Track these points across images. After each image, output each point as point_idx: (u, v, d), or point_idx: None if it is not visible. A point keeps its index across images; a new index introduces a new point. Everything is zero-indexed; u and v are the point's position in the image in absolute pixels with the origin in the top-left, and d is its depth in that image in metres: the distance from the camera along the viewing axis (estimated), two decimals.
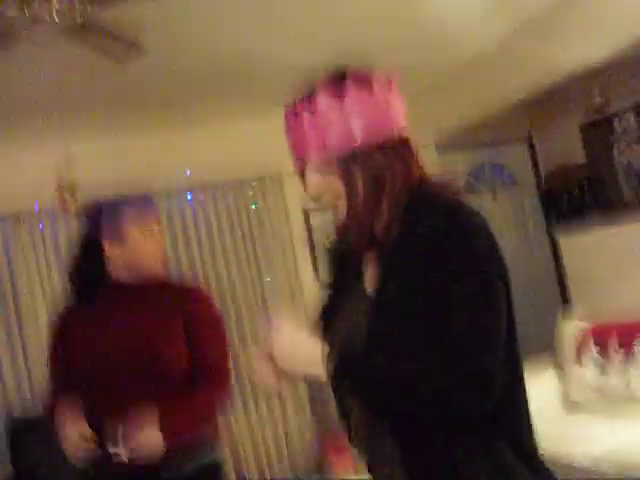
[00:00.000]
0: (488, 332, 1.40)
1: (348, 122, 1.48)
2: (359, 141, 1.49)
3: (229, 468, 5.22)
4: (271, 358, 1.50)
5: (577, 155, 5.84)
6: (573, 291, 5.16)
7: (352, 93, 1.49)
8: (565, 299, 5.64)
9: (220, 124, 5.49)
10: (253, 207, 5.74)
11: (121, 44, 3.27)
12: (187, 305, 2.56)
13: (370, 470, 1.62)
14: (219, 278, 5.57)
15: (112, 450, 2.23)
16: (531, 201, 6.48)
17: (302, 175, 1.59)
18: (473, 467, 1.41)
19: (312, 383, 5.11)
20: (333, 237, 1.74)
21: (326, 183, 1.54)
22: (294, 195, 5.70)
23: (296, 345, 1.47)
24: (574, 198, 5.88)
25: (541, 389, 4.35)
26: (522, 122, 6.17)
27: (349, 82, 1.50)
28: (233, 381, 5.21)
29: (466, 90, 5.23)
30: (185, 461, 2.44)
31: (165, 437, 2.26)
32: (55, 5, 2.81)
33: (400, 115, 1.56)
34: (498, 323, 1.42)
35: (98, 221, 2.49)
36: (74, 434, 2.28)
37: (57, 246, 5.08)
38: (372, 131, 1.50)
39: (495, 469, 1.42)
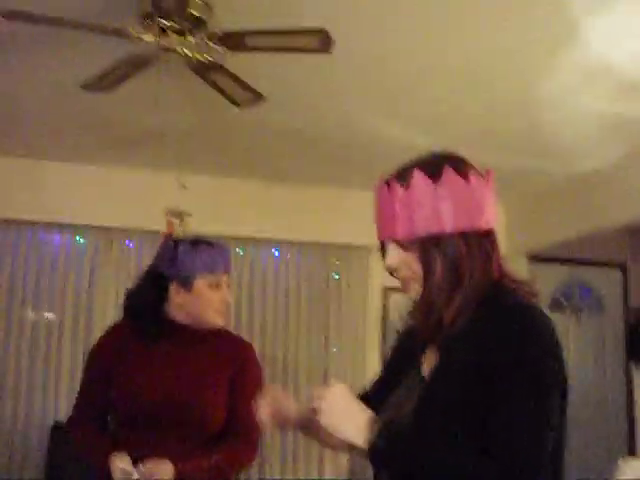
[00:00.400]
0: (535, 424, 1.35)
1: (439, 206, 1.47)
2: (446, 228, 1.47)
3: None
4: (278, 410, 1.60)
5: None
6: None
7: (449, 177, 1.48)
8: (631, 434, 5.42)
9: (320, 188, 5.63)
10: (335, 277, 5.76)
11: (245, 90, 3.40)
12: (239, 358, 2.57)
13: None
14: (287, 338, 5.59)
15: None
16: (615, 331, 6.27)
17: (382, 245, 1.60)
18: None
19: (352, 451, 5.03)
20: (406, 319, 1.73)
21: (405, 259, 1.52)
22: (377, 270, 5.71)
23: (345, 406, 1.45)
24: None
25: None
26: (620, 248, 6.05)
27: (447, 166, 1.50)
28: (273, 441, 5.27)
29: (568, 205, 5.19)
30: None
31: None
32: (189, 40, 2.96)
33: (491, 210, 1.55)
34: (546, 418, 1.37)
35: (172, 260, 2.46)
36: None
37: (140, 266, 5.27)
38: (461, 219, 1.49)
39: None
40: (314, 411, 1.47)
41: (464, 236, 1.48)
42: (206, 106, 4.07)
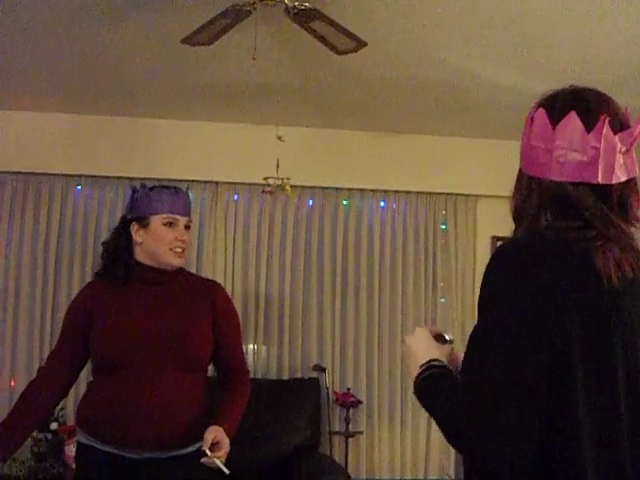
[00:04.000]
0: (499, 374, 1.31)
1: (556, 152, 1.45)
2: (552, 176, 1.46)
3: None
4: None
5: None
6: None
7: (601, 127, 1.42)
8: None
9: (424, 136, 5.52)
10: (442, 227, 5.68)
11: (346, 36, 3.33)
12: (216, 298, 2.74)
13: None
14: (394, 290, 5.55)
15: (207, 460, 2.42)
16: None
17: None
18: None
19: None
20: None
21: None
22: (485, 219, 5.60)
23: (417, 346, 1.56)
24: None
25: None
26: None
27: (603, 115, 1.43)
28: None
29: None
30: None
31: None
32: None
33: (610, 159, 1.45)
34: (514, 358, 1.31)
35: (131, 203, 2.68)
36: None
37: (246, 217, 5.42)
38: (554, 168, 1.46)
39: None
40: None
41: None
42: (307, 57, 4.02)
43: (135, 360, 2.52)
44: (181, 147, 5.33)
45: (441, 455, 5.41)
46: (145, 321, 2.58)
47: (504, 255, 1.41)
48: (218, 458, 2.40)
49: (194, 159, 5.32)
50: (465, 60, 4.06)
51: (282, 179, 4.13)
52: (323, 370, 5.20)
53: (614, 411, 1.33)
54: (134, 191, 2.69)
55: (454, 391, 1.40)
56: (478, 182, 5.48)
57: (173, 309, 2.63)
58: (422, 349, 1.54)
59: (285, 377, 5.31)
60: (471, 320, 5.51)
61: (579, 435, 1.30)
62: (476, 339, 1.41)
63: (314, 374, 5.22)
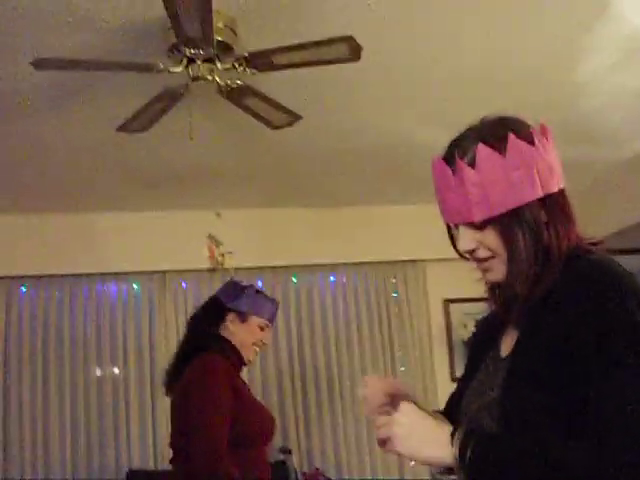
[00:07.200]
0: None
1: (512, 178, 1.36)
2: (524, 199, 1.36)
3: None
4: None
5: None
6: None
7: (515, 145, 1.37)
8: None
9: (366, 206, 5.58)
10: (394, 295, 5.68)
11: (280, 111, 3.37)
12: None
13: None
14: (352, 363, 5.52)
15: None
16: None
17: (450, 229, 1.50)
18: None
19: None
20: (472, 327, 1.65)
21: (481, 240, 1.41)
22: (436, 283, 5.63)
23: (421, 426, 1.34)
24: None
25: None
26: None
27: (510, 133, 1.38)
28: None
29: (624, 191, 5.04)
30: None
31: None
32: (218, 66, 2.95)
33: (559, 168, 1.44)
34: None
35: (238, 296, 3.06)
36: None
37: (197, 304, 5.23)
38: (535, 186, 1.37)
39: None
40: (384, 442, 1.38)
41: (542, 203, 1.38)
42: (244, 135, 4.06)
43: (268, 438, 2.96)
44: (124, 239, 5.27)
45: None
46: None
47: (627, 281, 1.30)
48: None
49: (138, 250, 5.27)
50: (400, 125, 4.13)
51: (222, 254, 4.10)
52: (289, 452, 5.07)
53: None
54: (244, 287, 3.11)
55: (549, 443, 1.24)
56: (426, 247, 5.51)
57: None
58: (428, 424, 1.36)
59: None
60: (433, 386, 5.48)
61: None
62: (608, 371, 1.23)
63: (280, 457, 5.09)
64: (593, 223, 4.67)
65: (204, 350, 2.89)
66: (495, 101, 3.85)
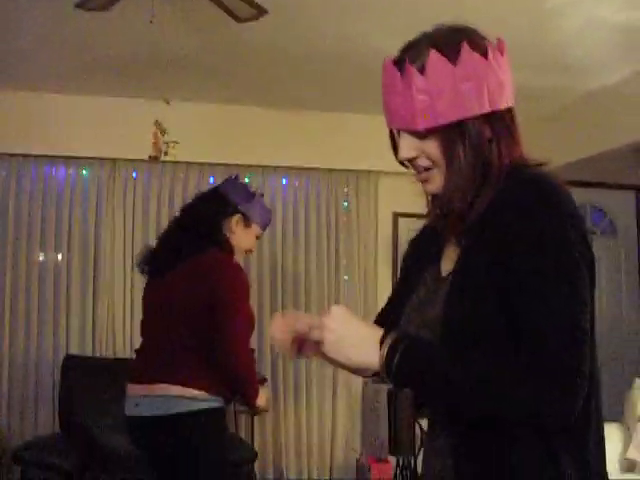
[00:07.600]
0: (571, 313, 1.24)
1: (461, 89, 1.32)
2: (469, 113, 1.33)
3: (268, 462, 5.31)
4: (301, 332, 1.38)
5: None
6: None
7: (467, 56, 1.33)
8: None
9: (326, 113, 5.52)
10: (344, 204, 5.70)
11: (246, 3, 3.27)
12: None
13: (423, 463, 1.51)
14: (297, 266, 5.56)
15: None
16: (629, 255, 6.17)
17: (392, 135, 1.47)
18: (528, 475, 1.28)
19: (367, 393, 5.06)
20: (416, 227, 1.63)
21: (422, 148, 1.38)
22: (387, 196, 5.65)
23: (351, 330, 1.31)
24: None
25: None
26: (634, 169, 5.92)
27: (464, 43, 1.33)
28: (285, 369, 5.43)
29: (579, 125, 5.06)
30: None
31: None
32: None
33: (510, 85, 1.41)
34: (581, 299, 1.26)
35: (250, 201, 3.07)
36: None
37: (146, 195, 5.31)
38: (483, 101, 1.34)
39: None
40: (317, 344, 1.34)
41: (487, 119, 1.35)
42: (207, 26, 3.94)
43: None
44: (76, 122, 5.14)
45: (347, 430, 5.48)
46: None
47: (560, 195, 1.31)
48: None
49: (89, 135, 5.14)
50: (356, 30, 4.05)
51: (167, 143, 4.02)
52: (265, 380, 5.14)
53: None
54: (253, 193, 3.14)
55: (475, 351, 1.27)
56: (379, 158, 5.45)
57: None
58: (359, 328, 1.33)
59: None
60: (374, 298, 5.56)
61: (598, 378, 1.32)
62: (534, 282, 1.26)
63: None
64: (557, 150, 4.76)
65: (211, 243, 2.95)
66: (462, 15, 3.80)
